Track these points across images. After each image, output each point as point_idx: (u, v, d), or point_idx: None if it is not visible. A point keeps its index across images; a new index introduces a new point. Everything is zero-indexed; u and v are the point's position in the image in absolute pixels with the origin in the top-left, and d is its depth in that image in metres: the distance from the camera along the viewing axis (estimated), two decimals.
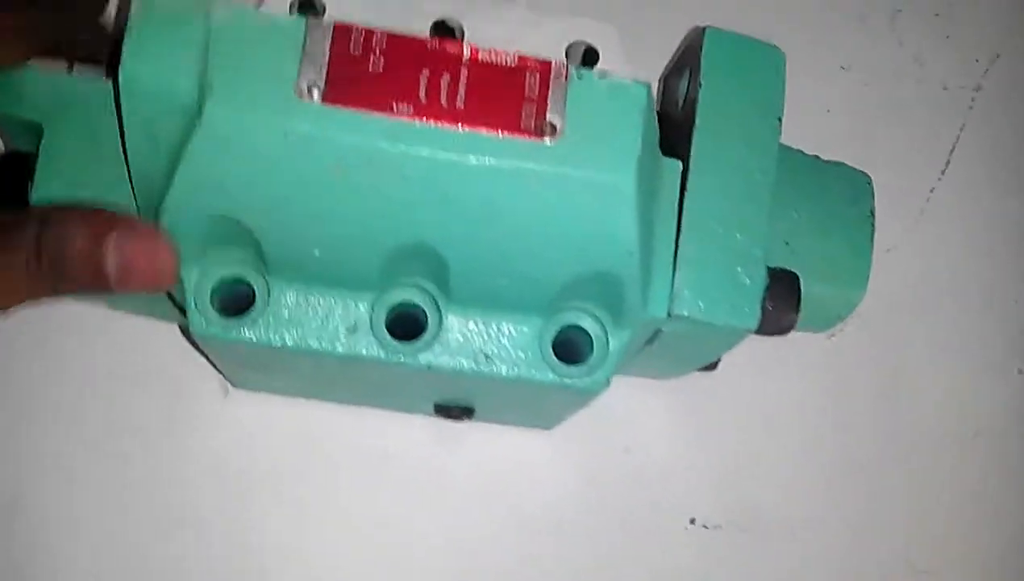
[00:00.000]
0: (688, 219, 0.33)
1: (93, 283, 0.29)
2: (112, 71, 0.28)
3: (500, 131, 0.27)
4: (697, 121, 0.33)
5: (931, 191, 0.49)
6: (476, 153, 0.27)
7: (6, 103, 0.31)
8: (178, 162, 0.27)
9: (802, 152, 0.37)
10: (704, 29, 0.35)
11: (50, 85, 0.31)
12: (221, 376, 0.42)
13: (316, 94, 0.27)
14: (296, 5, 0.36)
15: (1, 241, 0.28)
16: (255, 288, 0.31)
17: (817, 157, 0.38)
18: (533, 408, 0.39)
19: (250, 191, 0.28)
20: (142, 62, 0.27)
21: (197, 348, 0.39)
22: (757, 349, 0.44)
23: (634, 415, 0.44)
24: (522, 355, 0.32)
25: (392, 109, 0.27)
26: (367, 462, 0.43)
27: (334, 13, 0.36)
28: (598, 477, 0.44)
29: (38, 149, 0.31)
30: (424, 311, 0.32)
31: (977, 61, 0.51)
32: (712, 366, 0.42)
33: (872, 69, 0.50)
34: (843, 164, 0.38)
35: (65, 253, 0.28)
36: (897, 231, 0.49)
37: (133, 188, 0.30)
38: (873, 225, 0.37)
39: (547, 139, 0.27)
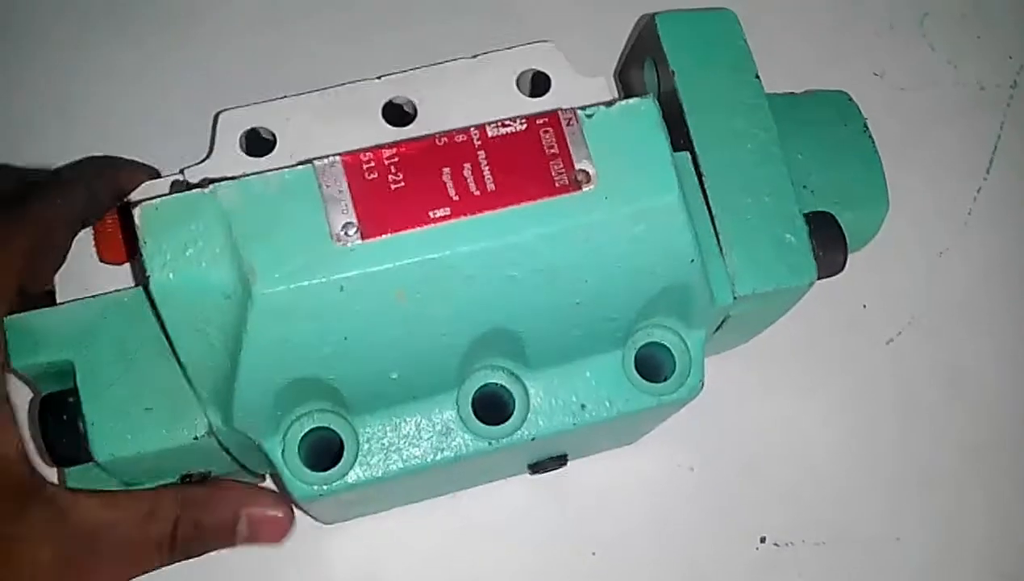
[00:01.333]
0: (716, 202, 0.33)
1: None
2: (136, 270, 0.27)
3: (539, 198, 0.27)
4: (685, 107, 0.34)
5: (977, 191, 0.49)
6: (526, 228, 0.27)
7: (35, 355, 0.30)
8: (239, 346, 0.26)
9: (775, 94, 0.38)
10: (653, 16, 0.35)
11: (74, 317, 0.30)
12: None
13: (355, 234, 0.26)
14: (244, 144, 0.35)
15: (138, 524, 0.30)
16: (341, 434, 0.31)
17: (791, 93, 0.38)
18: (625, 431, 0.39)
19: (319, 348, 0.27)
20: (169, 270, 0.26)
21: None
22: (817, 359, 0.45)
23: (697, 434, 0.44)
24: (614, 392, 0.32)
25: (431, 218, 0.26)
26: (482, 538, 0.42)
27: (288, 133, 0.36)
28: (664, 498, 0.44)
29: (74, 385, 0.30)
30: (507, 388, 0.32)
31: (1011, 58, 0.50)
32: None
33: (906, 74, 0.50)
34: (817, 91, 0.38)
35: (201, 536, 0.31)
36: (947, 234, 0.48)
37: (191, 384, 0.29)
38: (871, 137, 0.37)
39: (585, 188, 0.27)
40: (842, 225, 0.35)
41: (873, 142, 0.38)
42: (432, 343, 0.28)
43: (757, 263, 0.33)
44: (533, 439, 0.32)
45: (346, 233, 0.26)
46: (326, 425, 0.31)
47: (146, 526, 0.30)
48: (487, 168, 0.27)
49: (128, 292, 0.31)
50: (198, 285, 0.26)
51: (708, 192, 0.33)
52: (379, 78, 0.36)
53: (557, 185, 0.27)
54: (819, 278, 0.34)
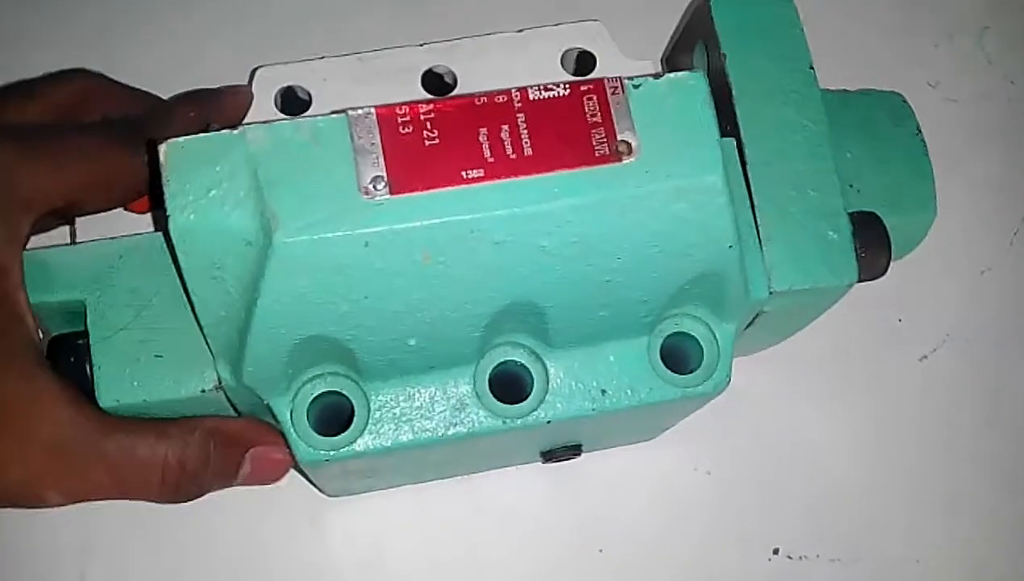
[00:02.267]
0: (759, 192, 0.32)
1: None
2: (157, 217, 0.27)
3: (577, 166, 0.26)
4: (734, 92, 0.32)
5: None
6: (562, 197, 0.25)
7: (48, 292, 0.29)
8: (255, 296, 0.26)
9: (828, 90, 0.36)
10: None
11: (90, 258, 0.29)
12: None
13: (384, 189, 0.25)
14: (280, 102, 0.35)
15: (150, 442, 0.29)
16: (352, 400, 0.30)
17: (844, 90, 0.37)
18: (644, 424, 0.38)
19: (337, 305, 0.26)
20: (190, 212, 0.25)
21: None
22: (847, 371, 0.44)
23: (718, 437, 0.42)
24: (637, 380, 0.31)
25: (463, 178, 0.25)
26: (489, 524, 0.41)
27: (324, 95, 0.35)
28: (678, 501, 0.42)
29: (85, 326, 0.29)
30: (526, 367, 0.31)
31: None
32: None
33: (961, 87, 0.48)
34: (871, 90, 0.37)
35: (206, 471, 0.30)
36: (991, 252, 0.47)
37: (204, 334, 0.28)
38: (923, 141, 0.36)
39: (626, 160, 0.26)
40: (887, 228, 0.34)
41: (925, 146, 0.37)
42: (454, 311, 0.27)
43: (796, 259, 0.32)
44: (549, 422, 0.31)
45: (375, 187, 0.25)
46: (338, 390, 0.30)
47: (157, 445, 0.29)
48: (525, 131, 0.26)
49: (147, 236, 0.30)
50: (219, 229, 0.25)
51: (751, 181, 0.32)
52: (421, 45, 0.36)
53: (597, 154, 0.26)
54: (860, 281, 0.33)
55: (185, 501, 0.31)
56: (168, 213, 0.25)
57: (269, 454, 0.32)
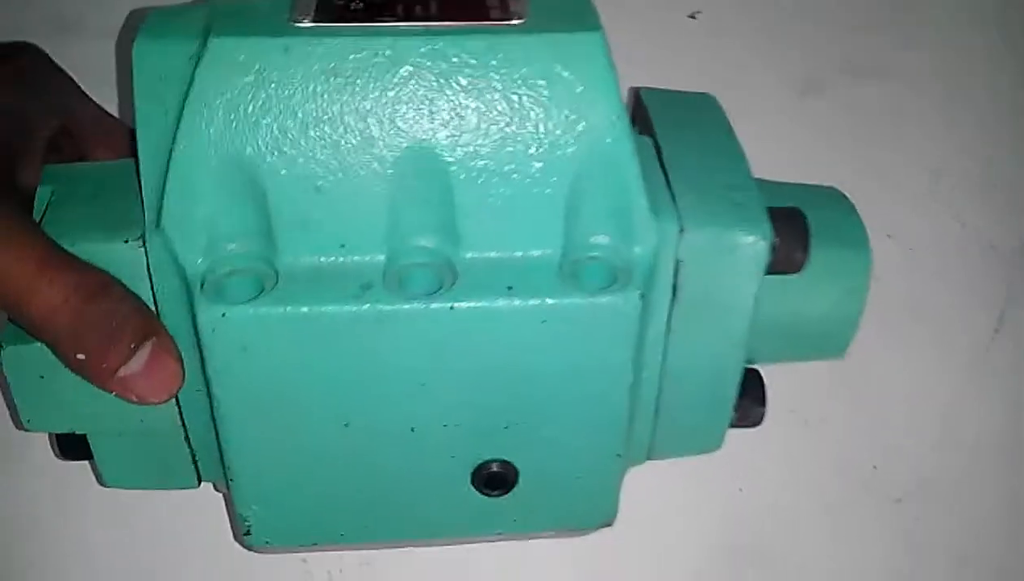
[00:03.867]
0: (674, 174, 0.34)
1: (99, 360, 0.30)
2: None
3: (472, 21, 0.31)
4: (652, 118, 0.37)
5: (986, 351, 0.49)
6: (457, 36, 0.30)
7: None
8: (184, 103, 0.29)
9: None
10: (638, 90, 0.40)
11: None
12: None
13: (307, 21, 0.30)
14: None
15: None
16: (261, 270, 0.31)
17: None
18: (586, 437, 0.35)
19: (257, 119, 0.29)
20: (154, 37, 0.30)
21: None
22: (829, 521, 0.43)
23: (749, 454, 0.41)
24: (543, 284, 0.31)
25: (377, 21, 0.30)
26: None
27: None
28: (709, 518, 0.41)
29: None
30: (435, 263, 0.31)
31: (1022, 215, 0.51)
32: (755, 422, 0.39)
33: (917, 234, 0.50)
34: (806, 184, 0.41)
35: (110, 319, 0.30)
36: (957, 392, 0.48)
37: (139, 174, 0.31)
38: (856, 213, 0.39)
39: (515, 21, 0.31)
40: (808, 223, 0.35)
41: (858, 216, 0.39)
42: (359, 154, 0.30)
43: (707, 209, 0.33)
44: (452, 307, 0.30)
45: (302, 19, 0.30)
46: (250, 263, 0.31)
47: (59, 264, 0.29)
48: (434, 5, 0.31)
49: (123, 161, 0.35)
50: (169, 48, 0.30)
51: (666, 167, 0.35)
52: None
53: (490, 16, 0.31)
54: (775, 271, 0.34)
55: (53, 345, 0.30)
56: (137, 37, 0.30)
57: (168, 354, 0.31)
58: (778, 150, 0.47)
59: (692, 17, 0.47)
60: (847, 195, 0.40)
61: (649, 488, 0.45)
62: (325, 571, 0.45)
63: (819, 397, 0.48)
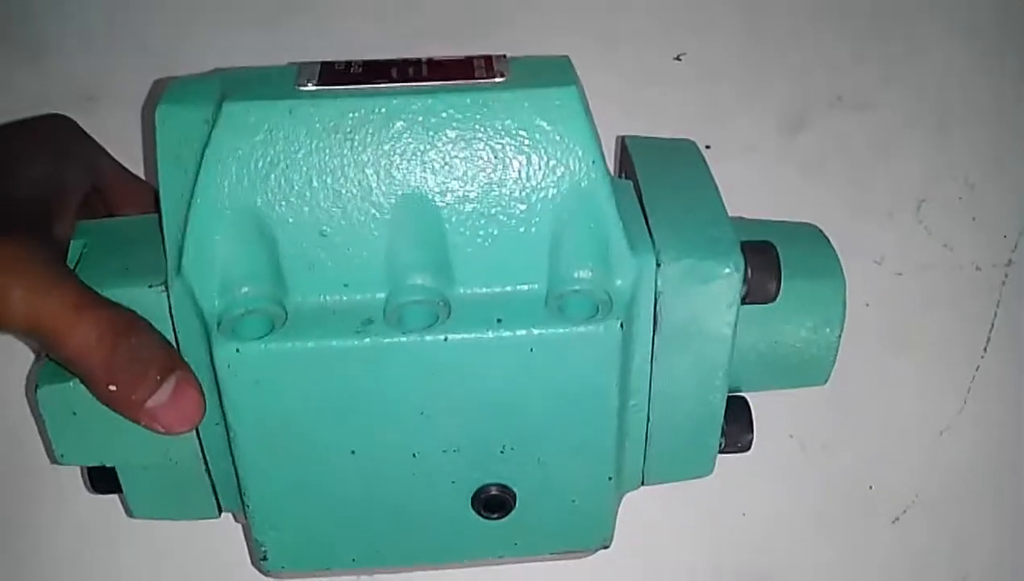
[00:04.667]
0: (652, 214, 0.37)
1: (129, 391, 0.33)
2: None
3: (460, 80, 0.34)
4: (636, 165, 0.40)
5: (976, 370, 0.51)
6: (447, 93, 0.33)
7: None
8: (200, 161, 0.33)
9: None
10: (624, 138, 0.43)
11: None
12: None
13: (312, 84, 0.34)
14: None
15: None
16: (272, 309, 0.34)
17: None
18: (579, 461, 0.37)
19: (265, 172, 0.33)
20: (174, 103, 0.34)
21: None
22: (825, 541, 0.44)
23: (750, 478, 0.42)
24: (530, 316, 0.34)
25: (374, 84, 0.34)
26: None
27: None
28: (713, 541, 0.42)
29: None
30: (430, 300, 0.34)
31: (1005, 237, 0.52)
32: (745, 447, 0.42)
33: (904, 260, 0.52)
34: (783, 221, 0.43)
35: (139, 355, 0.33)
36: (946, 414, 0.50)
37: (163, 232, 0.34)
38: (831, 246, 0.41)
39: (499, 79, 0.34)
40: (779, 257, 0.37)
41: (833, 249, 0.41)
42: (359, 201, 0.33)
43: (682, 238, 0.36)
44: (446, 339, 0.33)
45: (306, 83, 0.34)
46: (261, 306, 0.34)
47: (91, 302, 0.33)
48: (425, 67, 0.35)
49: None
50: (188, 116, 0.33)
51: (645, 205, 0.38)
52: None
53: (475, 76, 0.34)
54: (748, 301, 0.36)
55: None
56: (159, 103, 0.34)
57: (191, 386, 0.34)
58: (767, 183, 0.50)
59: (677, 59, 0.50)
60: (823, 230, 0.43)
61: (653, 512, 0.47)
62: None
63: (816, 422, 0.50)
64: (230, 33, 0.48)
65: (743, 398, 0.42)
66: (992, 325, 0.51)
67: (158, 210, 0.35)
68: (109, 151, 0.41)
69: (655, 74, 0.50)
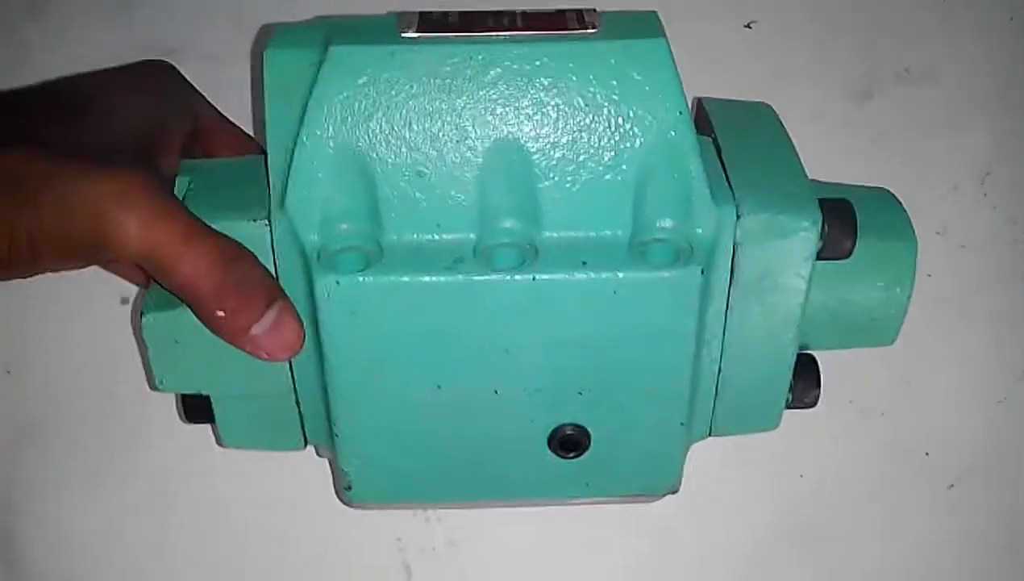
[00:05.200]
0: (732, 169, 0.38)
1: (235, 317, 0.35)
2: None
3: (553, 31, 0.35)
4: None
5: None
6: (541, 42, 0.35)
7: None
8: (307, 102, 0.34)
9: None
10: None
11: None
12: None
13: (412, 31, 0.35)
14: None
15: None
16: (368, 245, 0.35)
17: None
18: (653, 404, 0.38)
19: (368, 114, 0.34)
20: (282, 46, 0.36)
21: None
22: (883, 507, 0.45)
23: (810, 440, 0.44)
24: (614, 261, 0.35)
25: (471, 32, 0.35)
26: None
27: None
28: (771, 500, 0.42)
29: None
30: (518, 242, 0.36)
31: None
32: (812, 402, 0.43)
33: (967, 232, 0.52)
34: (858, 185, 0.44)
35: (245, 283, 0.35)
36: (1005, 383, 0.51)
37: (268, 167, 0.36)
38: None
39: (590, 31, 0.35)
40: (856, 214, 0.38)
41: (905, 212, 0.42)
42: (455, 145, 0.35)
43: (761, 193, 0.37)
44: (534, 279, 0.35)
45: (407, 30, 0.35)
46: (359, 242, 0.36)
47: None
48: (519, 19, 0.36)
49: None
50: (296, 56, 0.35)
51: (725, 162, 0.39)
52: None
53: (568, 28, 0.35)
54: (823, 256, 0.37)
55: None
56: (265, 49, 0.36)
57: (292, 316, 0.36)
58: (834, 152, 0.51)
59: (748, 27, 0.51)
60: (896, 195, 0.44)
61: (715, 469, 0.48)
62: (417, 549, 0.49)
63: (875, 388, 0.51)
64: None
65: (812, 355, 0.43)
66: None
67: (262, 151, 0.37)
68: None
69: (726, 41, 0.51)
